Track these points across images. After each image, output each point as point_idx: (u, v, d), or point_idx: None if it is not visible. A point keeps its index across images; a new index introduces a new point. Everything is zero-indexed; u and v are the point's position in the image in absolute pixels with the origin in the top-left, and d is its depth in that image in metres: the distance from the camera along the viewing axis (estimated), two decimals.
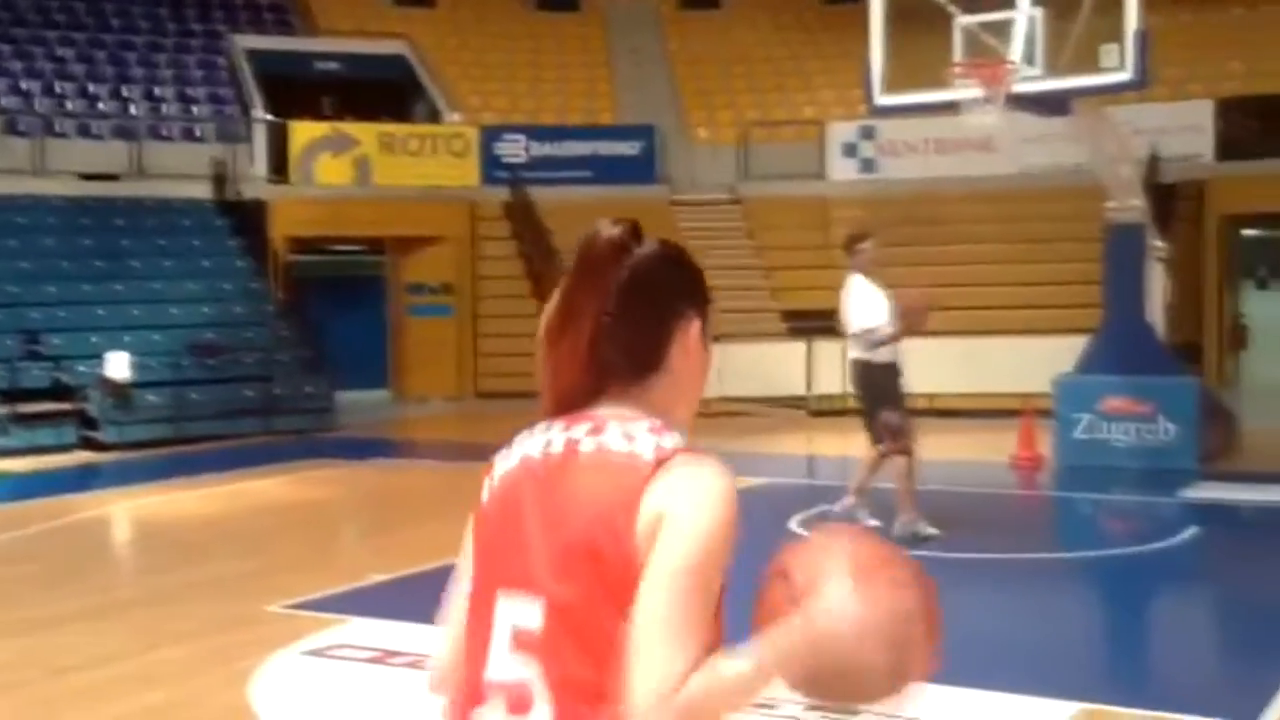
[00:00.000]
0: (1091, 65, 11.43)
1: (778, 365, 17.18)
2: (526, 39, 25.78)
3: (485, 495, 1.79)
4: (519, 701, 1.62)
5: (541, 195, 21.08)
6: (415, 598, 7.42)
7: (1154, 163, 18.98)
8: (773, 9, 26.58)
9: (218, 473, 12.54)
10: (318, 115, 22.22)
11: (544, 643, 1.61)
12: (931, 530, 8.53)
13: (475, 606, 1.72)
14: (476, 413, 19.58)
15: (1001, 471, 12.10)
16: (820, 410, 17.27)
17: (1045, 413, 12.54)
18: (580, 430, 1.71)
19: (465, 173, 21.55)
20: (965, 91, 11.40)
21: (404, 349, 21.21)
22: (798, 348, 17.43)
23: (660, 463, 1.63)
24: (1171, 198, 19.36)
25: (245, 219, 19.40)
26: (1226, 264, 20.64)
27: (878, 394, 8.54)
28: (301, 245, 20.83)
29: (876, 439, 8.57)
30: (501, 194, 21.46)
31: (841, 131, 21.97)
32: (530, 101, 24.16)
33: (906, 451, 8.51)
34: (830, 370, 17.34)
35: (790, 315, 18.54)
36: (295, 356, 17.12)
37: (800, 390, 17.31)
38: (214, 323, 16.90)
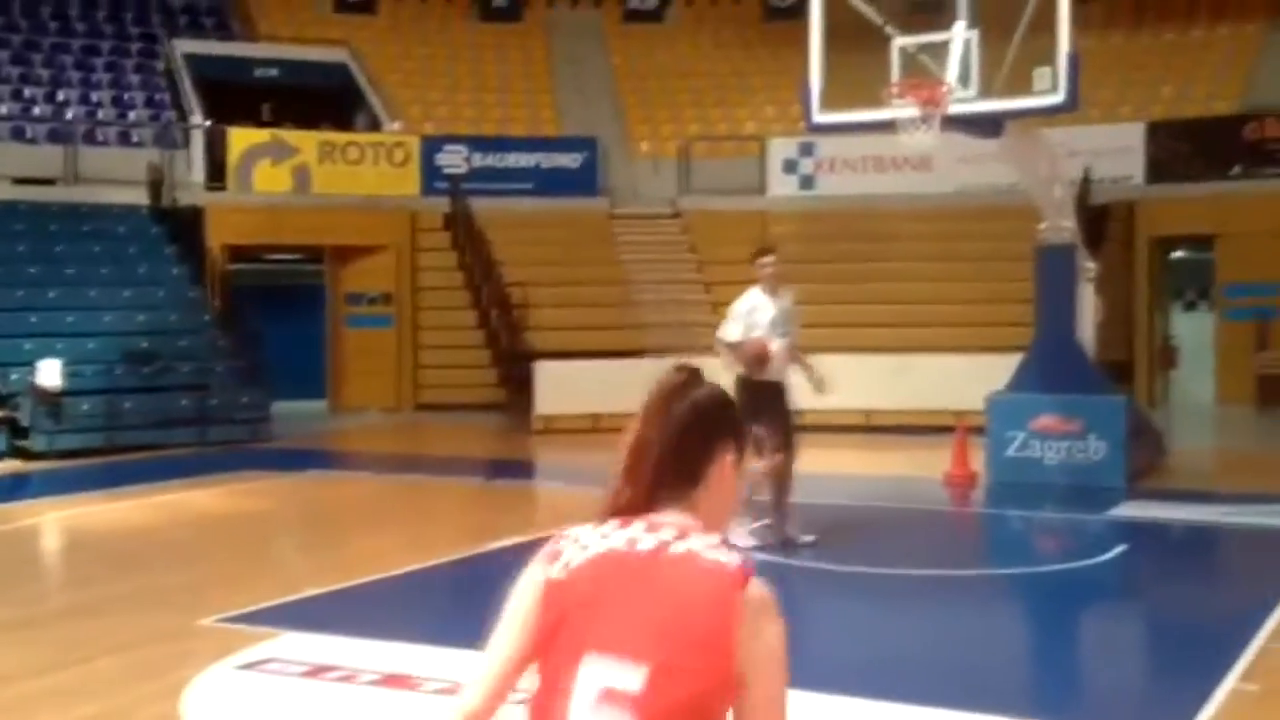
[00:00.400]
0: (1025, 87, 11.62)
1: (717, 379, 17.24)
2: (469, 49, 25.78)
3: (559, 573, 2.09)
4: None
5: (482, 206, 21.07)
6: (349, 611, 7.43)
7: (1086, 184, 19.31)
8: (715, 24, 26.77)
9: (151, 483, 12.40)
10: (257, 122, 22.06)
11: (643, 703, 1.96)
12: (750, 540, 8.69)
13: (552, 664, 2.05)
14: (415, 424, 19.52)
15: (935, 488, 12.24)
16: None
17: (979, 430, 12.71)
18: (666, 533, 2.09)
19: (406, 182, 21.50)
20: (902, 111, 11.56)
21: (342, 359, 21.09)
22: None
23: (745, 577, 2.01)
24: (1103, 219, 19.73)
25: (182, 226, 19.20)
26: (1156, 284, 21.04)
27: (750, 408, 8.69)
28: (239, 253, 20.66)
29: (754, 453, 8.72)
30: (442, 204, 21.42)
31: (782, 147, 22.15)
32: (472, 112, 24.14)
33: (774, 466, 8.67)
34: None
35: None
36: (231, 366, 16.96)
37: None
38: (149, 331, 16.71)
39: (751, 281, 9.10)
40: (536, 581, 2.11)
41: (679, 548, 2.05)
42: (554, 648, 2.05)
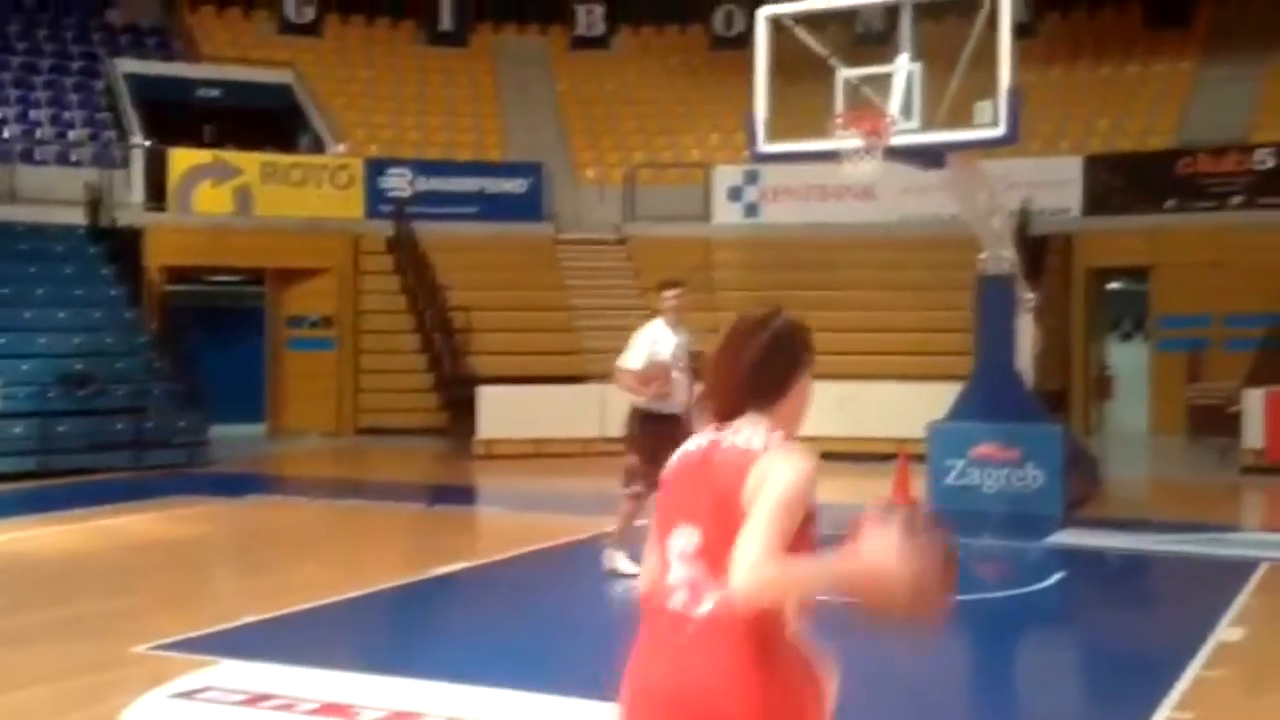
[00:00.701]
0: (966, 120, 11.78)
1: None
2: (415, 72, 25.74)
3: (665, 473, 2.82)
4: (695, 590, 2.66)
5: (426, 230, 21.01)
6: (288, 639, 7.33)
7: (1025, 215, 19.59)
8: (661, 52, 26.92)
9: (85, 508, 12.20)
10: (198, 143, 21.89)
11: (704, 556, 2.65)
12: (630, 568, 8.77)
13: (660, 537, 2.76)
14: (355, 449, 19.38)
15: None
16: None
17: (921, 458, 12.80)
18: (727, 433, 2.73)
19: (349, 205, 21.39)
20: (846, 142, 11.67)
21: (282, 382, 20.90)
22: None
23: (765, 449, 2.64)
24: (1041, 250, 20.00)
25: (120, 246, 18.98)
26: (1092, 315, 21.34)
27: (647, 441, 8.73)
28: (178, 274, 20.47)
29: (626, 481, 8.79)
30: (386, 227, 21.33)
31: (726, 175, 22.28)
32: (417, 135, 24.09)
33: (638, 498, 8.70)
34: None
35: None
36: (169, 389, 16.74)
37: None
38: (84, 353, 16.44)
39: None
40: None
41: (728, 442, 2.70)
42: (661, 524, 2.78)
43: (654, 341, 8.70)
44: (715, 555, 2.60)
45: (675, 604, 2.67)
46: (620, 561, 8.94)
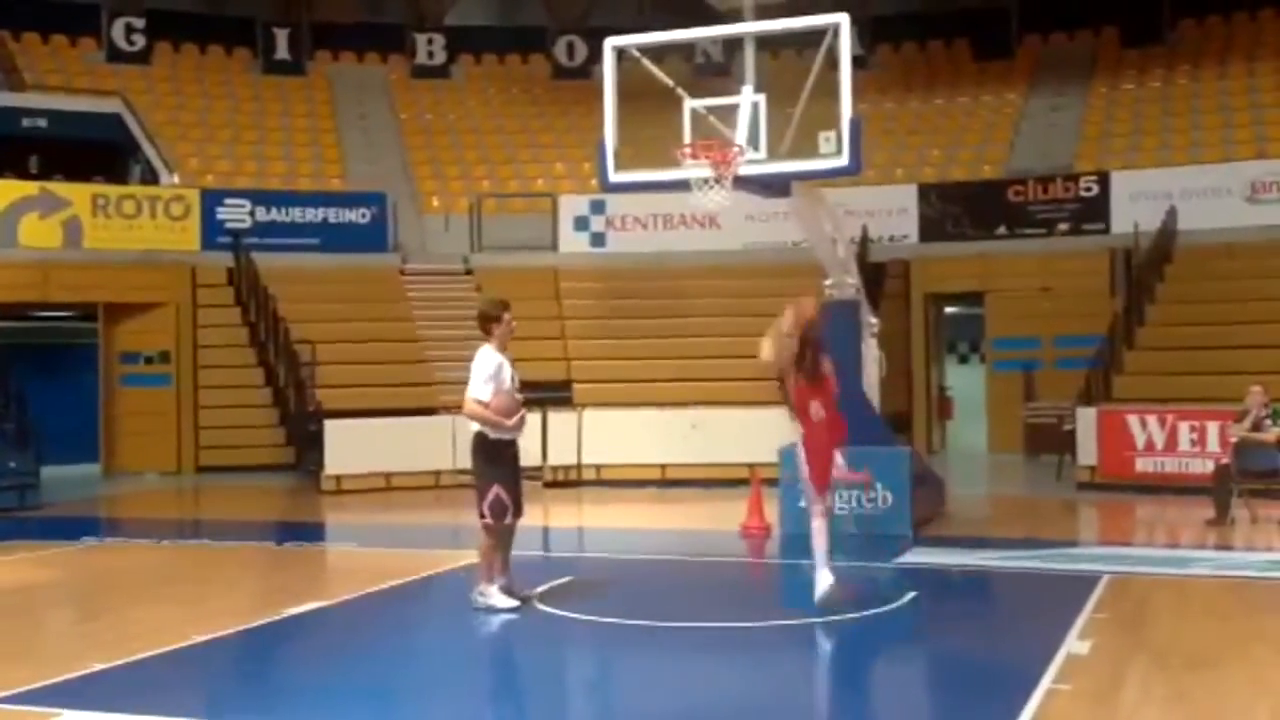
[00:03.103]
0: (811, 150, 12.02)
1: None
2: (251, 101, 25.26)
3: (796, 382, 8.92)
4: (819, 414, 8.92)
5: (267, 261, 20.57)
6: (136, 687, 7.04)
7: (864, 243, 20.07)
8: (503, 81, 26.91)
9: None
10: (24, 174, 21.08)
11: (822, 404, 8.90)
12: (511, 602, 8.83)
13: (800, 407, 8.92)
14: (197, 488, 18.81)
15: (731, 540, 12.41)
16: (555, 481, 17.35)
17: (774, 481, 12.95)
18: (817, 372, 8.97)
19: (185, 237, 20.84)
20: (695, 171, 11.79)
21: (117, 421, 20.21)
22: (532, 419, 17.38)
23: (832, 371, 9.05)
24: (880, 276, 20.53)
25: None
26: (931, 338, 21.96)
27: (493, 468, 8.72)
28: (5, 311, 19.70)
29: (482, 513, 8.76)
30: (225, 260, 20.83)
31: (572, 205, 22.34)
32: (254, 165, 23.61)
33: (504, 529, 8.77)
34: (565, 441, 17.47)
35: (524, 386, 18.52)
36: None
37: (535, 461, 17.32)
38: None
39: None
40: (795, 387, 8.88)
41: (817, 373, 8.88)
42: (799, 403, 8.90)
43: (499, 368, 8.66)
44: (824, 402, 8.80)
45: (816, 419, 8.75)
46: (496, 598, 8.78)
